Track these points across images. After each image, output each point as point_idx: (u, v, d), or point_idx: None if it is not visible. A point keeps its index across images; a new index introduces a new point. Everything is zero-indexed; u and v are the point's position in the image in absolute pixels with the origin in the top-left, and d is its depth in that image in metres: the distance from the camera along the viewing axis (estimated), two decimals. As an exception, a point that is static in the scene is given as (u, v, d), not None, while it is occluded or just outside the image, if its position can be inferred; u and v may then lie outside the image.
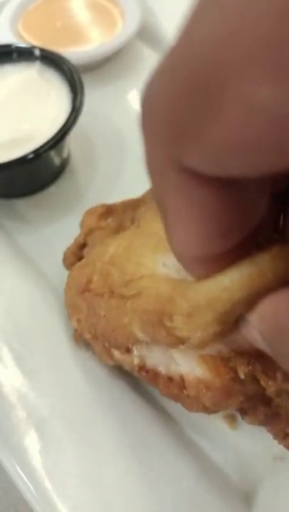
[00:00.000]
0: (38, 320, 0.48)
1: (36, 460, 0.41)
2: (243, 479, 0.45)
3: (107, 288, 0.40)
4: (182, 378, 0.38)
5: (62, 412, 0.43)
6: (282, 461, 0.45)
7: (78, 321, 0.44)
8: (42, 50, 0.58)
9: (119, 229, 0.47)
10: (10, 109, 0.54)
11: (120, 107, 0.66)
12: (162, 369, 0.39)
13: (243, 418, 0.40)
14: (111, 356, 0.42)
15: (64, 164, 0.61)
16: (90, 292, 0.42)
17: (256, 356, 0.35)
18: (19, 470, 0.40)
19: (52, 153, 0.54)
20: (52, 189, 0.60)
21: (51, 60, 0.58)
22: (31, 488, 0.39)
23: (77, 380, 0.45)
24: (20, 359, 0.45)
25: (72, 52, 0.60)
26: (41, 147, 0.51)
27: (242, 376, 0.36)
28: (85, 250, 0.48)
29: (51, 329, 0.48)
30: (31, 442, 0.41)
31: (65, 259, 0.50)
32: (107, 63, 0.67)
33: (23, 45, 0.60)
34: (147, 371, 0.40)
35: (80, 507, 0.39)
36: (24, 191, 0.59)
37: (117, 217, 0.48)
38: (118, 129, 0.64)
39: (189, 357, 0.37)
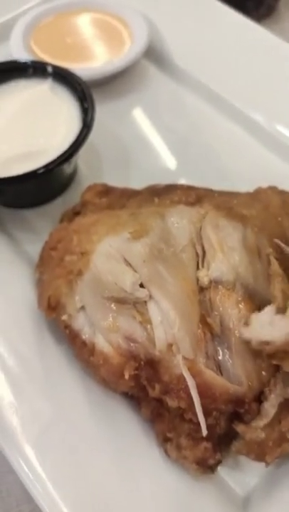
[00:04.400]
0: (42, 324, 0.50)
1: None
2: (238, 482, 0.45)
3: (63, 252, 0.45)
4: (93, 345, 0.42)
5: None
6: (277, 466, 0.45)
7: (40, 272, 0.49)
8: (54, 67, 0.60)
9: (107, 210, 0.51)
10: (23, 123, 0.56)
11: (126, 122, 0.68)
12: (82, 332, 0.43)
13: (139, 408, 0.44)
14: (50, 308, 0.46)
15: (72, 176, 0.63)
16: (55, 251, 0.47)
17: (147, 364, 0.40)
18: (26, 469, 0.42)
19: (62, 167, 0.54)
20: (59, 200, 0.61)
21: (63, 76, 0.59)
22: (37, 486, 0.41)
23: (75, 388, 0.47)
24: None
25: (82, 69, 0.62)
26: (52, 162, 0.52)
27: (126, 376, 0.40)
28: (76, 218, 0.52)
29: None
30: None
31: (60, 220, 0.54)
32: (114, 80, 0.70)
33: (36, 61, 0.62)
34: (70, 330, 0.44)
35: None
36: (33, 202, 0.60)
37: (111, 199, 0.53)
38: (123, 142, 0.66)
39: (104, 331, 0.41)
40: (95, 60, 0.69)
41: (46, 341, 0.48)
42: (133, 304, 0.40)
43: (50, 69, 0.60)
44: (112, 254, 0.41)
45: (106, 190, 0.53)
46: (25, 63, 0.61)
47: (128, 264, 0.41)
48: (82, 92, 0.58)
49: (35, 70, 0.60)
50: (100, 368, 0.42)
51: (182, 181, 0.60)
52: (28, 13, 0.72)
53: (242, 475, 0.45)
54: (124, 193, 0.53)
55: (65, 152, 0.53)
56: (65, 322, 0.44)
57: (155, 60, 0.73)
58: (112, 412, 0.46)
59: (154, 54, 0.72)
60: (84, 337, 0.43)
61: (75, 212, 0.54)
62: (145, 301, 0.40)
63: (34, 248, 0.57)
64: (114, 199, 0.52)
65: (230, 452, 0.43)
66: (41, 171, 0.52)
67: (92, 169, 0.64)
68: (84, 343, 0.43)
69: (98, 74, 0.66)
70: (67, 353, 0.48)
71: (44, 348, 0.48)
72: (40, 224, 0.60)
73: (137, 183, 0.59)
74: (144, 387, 0.41)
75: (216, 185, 0.54)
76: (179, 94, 0.70)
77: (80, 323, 0.43)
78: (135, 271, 0.40)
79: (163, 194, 0.50)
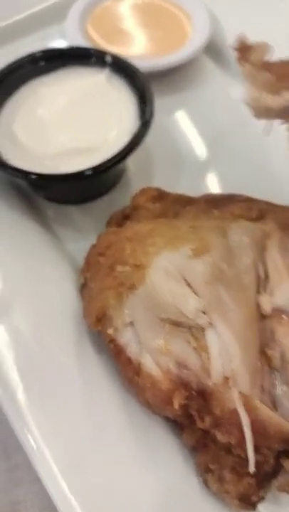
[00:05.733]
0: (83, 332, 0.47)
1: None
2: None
3: (113, 260, 0.42)
4: (139, 365, 0.40)
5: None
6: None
7: (85, 278, 0.47)
8: (114, 56, 0.56)
9: (161, 216, 0.48)
10: (76, 115, 0.53)
11: (179, 120, 0.64)
12: (128, 349, 0.40)
13: (181, 435, 0.41)
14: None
15: (120, 175, 0.59)
16: (103, 257, 0.45)
17: (199, 394, 0.37)
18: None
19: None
20: (106, 198, 0.58)
21: (121, 67, 0.56)
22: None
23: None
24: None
25: (139, 59, 0.58)
26: (103, 164, 0.49)
27: (175, 406, 0.37)
28: (128, 223, 0.50)
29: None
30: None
31: (108, 222, 0.52)
32: (169, 74, 0.65)
33: (95, 49, 0.59)
34: (115, 345, 0.41)
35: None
36: (78, 199, 0.58)
37: (164, 205, 0.49)
38: (176, 142, 0.62)
39: (153, 352, 0.39)
40: (153, 51, 0.64)
41: (87, 350, 0.46)
42: (188, 328, 0.37)
43: (109, 58, 0.56)
44: (170, 271, 0.38)
45: (159, 196, 0.50)
46: (84, 50, 0.58)
47: (188, 284, 0.37)
48: (142, 86, 0.54)
49: (94, 57, 0.57)
50: (145, 390, 0.39)
51: (239, 190, 0.56)
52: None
53: (281, 512, 0.43)
54: (178, 200, 0.50)
55: (118, 154, 0.50)
56: (110, 336, 0.41)
57: (214, 54, 0.69)
58: (151, 432, 0.43)
59: (214, 49, 0.68)
60: (130, 354, 0.41)
61: (125, 216, 0.51)
62: (203, 327, 0.37)
63: (77, 247, 0.54)
64: (168, 205, 0.49)
65: (271, 488, 0.41)
66: (89, 172, 0.49)
67: (142, 168, 0.61)
68: (129, 360, 0.40)
69: (157, 66, 0.62)
70: (107, 365, 0.45)
71: (84, 357, 0.45)
72: (85, 222, 0.57)
73: (189, 188, 0.56)
74: (190, 416, 0.38)
75: (277, 199, 0.50)
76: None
77: (127, 339, 0.41)
78: (196, 293, 0.37)
79: (221, 205, 0.47)
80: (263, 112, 0.39)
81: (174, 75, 0.66)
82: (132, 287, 0.39)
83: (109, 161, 0.49)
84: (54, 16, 0.70)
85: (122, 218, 0.51)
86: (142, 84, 0.54)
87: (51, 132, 0.53)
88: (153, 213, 0.48)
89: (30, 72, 0.56)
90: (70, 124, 0.53)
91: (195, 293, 0.37)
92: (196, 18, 0.66)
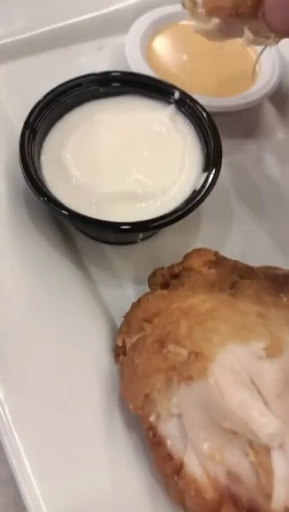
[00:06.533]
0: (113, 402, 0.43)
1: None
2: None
3: (164, 334, 0.38)
4: (182, 464, 0.35)
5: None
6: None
7: (123, 341, 0.42)
8: (182, 93, 0.51)
9: (215, 285, 0.43)
10: (134, 151, 0.48)
11: (230, 164, 0.58)
12: (170, 442, 0.36)
13: None
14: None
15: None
16: (149, 324, 0.40)
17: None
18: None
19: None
20: (145, 243, 0.53)
21: (188, 105, 0.51)
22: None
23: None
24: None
25: (201, 98, 0.52)
26: (152, 222, 0.44)
27: None
28: (174, 282, 0.45)
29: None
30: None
31: (152, 276, 0.47)
32: (227, 115, 0.62)
33: (163, 82, 0.52)
34: (155, 435, 0.37)
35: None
36: (117, 241, 0.53)
37: (221, 272, 0.45)
38: (226, 191, 0.57)
39: (201, 455, 0.34)
40: (216, 90, 0.59)
41: (116, 425, 0.41)
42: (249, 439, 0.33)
43: (177, 94, 0.51)
44: (238, 371, 0.34)
45: (217, 261, 0.45)
46: (150, 79, 0.52)
47: (258, 391, 0.33)
48: (209, 132, 0.49)
49: (160, 90, 0.51)
50: (185, 493, 0.35)
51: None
52: (156, 10, 0.63)
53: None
54: (235, 268, 0.45)
55: (176, 217, 0.45)
56: (151, 423, 0.37)
57: (276, 101, 0.64)
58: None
59: (278, 96, 0.63)
60: (171, 448, 0.36)
61: (173, 275, 0.46)
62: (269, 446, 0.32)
63: (110, 292, 0.51)
64: (224, 274, 0.44)
65: None
66: (125, 227, 0.45)
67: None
68: (169, 456, 0.36)
69: (219, 107, 0.56)
70: (136, 447, 0.41)
71: (113, 434, 0.41)
72: (121, 265, 0.53)
73: (238, 249, 0.52)
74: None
75: None
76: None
77: (170, 431, 0.36)
78: (266, 404, 0.33)
79: (285, 285, 0.42)
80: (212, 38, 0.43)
81: (231, 117, 0.60)
82: (189, 379, 0.35)
83: (164, 222, 0.45)
84: (116, 24, 0.64)
85: (170, 275, 0.46)
86: (209, 130, 0.49)
87: (104, 166, 0.48)
88: (208, 280, 0.44)
89: (87, 93, 0.51)
90: (126, 161, 0.48)
91: (265, 403, 0.33)
92: (264, 63, 0.61)
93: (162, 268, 0.47)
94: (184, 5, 0.43)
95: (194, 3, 0.41)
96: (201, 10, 0.40)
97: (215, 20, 0.40)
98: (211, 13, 0.40)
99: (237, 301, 0.40)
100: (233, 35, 0.42)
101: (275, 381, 0.33)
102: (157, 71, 0.59)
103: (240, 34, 0.41)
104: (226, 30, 0.41)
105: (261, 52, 0.46)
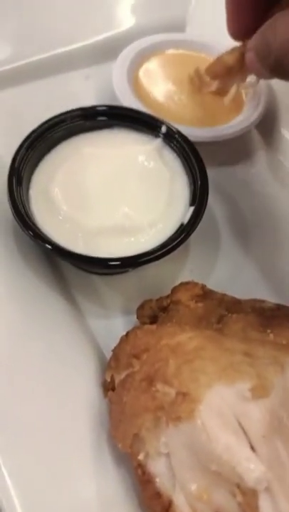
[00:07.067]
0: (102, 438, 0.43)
1: None
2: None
3: (152, 371, 0.38)
4: (170, 503, 0.36)
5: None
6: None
7: (111, 377, 0.43)
8: (168, 127, 0.51)
9: (202, 320, 0.44)
10: (122, 185, 0.49)
11: (219, 193, 0.59)
12: (158, 480, 0.37)
13: None
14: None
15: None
16: (138, 360, 0.41)
17: None
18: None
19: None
20: (133, 273, 0.53)
21: (174, 138, 0.51)
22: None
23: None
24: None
25: (187, 129, 0.53)
26: (136, 258, 0.45)
27: None
28: (163, 316, 0.46)
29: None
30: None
31: (140, 308, 0.48)
32: (217, 143, 0.62)
33: (149, 115, 0.53)
34: (144, 472, 0.37)
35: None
36: (105, 271, 0.52)
37: (209, 306, 0.45)
38: (214, 219, 0.58)
39: (189, 495, 0.35)
40: (202, 120, 0.60)
41: (106, 461, 0.42)
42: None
43: (163, 128, 0.51)
44: (225, 413, 0.34)
45: (204, 294, 0.46)
46: (136, 113, 0.53)
47: (244, 432, 0.34)
48: (194, 164, 0.50)
49: (147, 124, 0.52)
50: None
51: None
52: (144, 39, 0.63)
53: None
54: (222, 301, 0.46)
55: (161, 253, 0.46)
56: (140, 461, 0.37)
57: (263, 130, 0.64)
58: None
59: (264, 124, 0.63)
60: (159, 487, 0.37)
61: (161, 308, 0.46)
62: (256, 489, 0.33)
63: (99, 323, 0.51)
64: (212, 307, 0.45)
65: None
66: (114, 263, 0.45)
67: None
68: (158, 494, 0.36)
69: (204, 138, 0.57)
70: (125, 482, 0.41)
71: (102, 470, 0.41)
72: (109, 295, 0.53)
73: (225, 278, 0.53)
74: None
75: None
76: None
77: (159, 470, 0.37)
78: (252, 447, 0.33)
79: (272, 320, 0.43)
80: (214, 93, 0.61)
81: (218, 145, 0.61)
82: (177, 420, 0.35)
83: (150, 257, 0.45)
84: (105, 52, 0.64)
85: (158, 308, 0.47)
86: (196, 164, 0.49)
87: (92, 200, 0.48)
88: (195, 314, 0.44)
89: (74, 127, 0.51)
90: (114, 195, 0.48)
91: (251, 445, 0.33)
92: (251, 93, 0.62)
93: (150, 300, 0.48)
94: (191, 82, 0.60)
95: (199, 79, 0.59)
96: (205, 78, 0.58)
97: (215, 83, 0.57)
98: (212, 78, 0.57)
99: (223, 339, 0.40)
100: (228, 88, 0.59)
101: (261, 422, 0.34)
102: (144, 101, 0.59)
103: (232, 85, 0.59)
104: (224, 86, 0.58)
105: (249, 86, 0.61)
